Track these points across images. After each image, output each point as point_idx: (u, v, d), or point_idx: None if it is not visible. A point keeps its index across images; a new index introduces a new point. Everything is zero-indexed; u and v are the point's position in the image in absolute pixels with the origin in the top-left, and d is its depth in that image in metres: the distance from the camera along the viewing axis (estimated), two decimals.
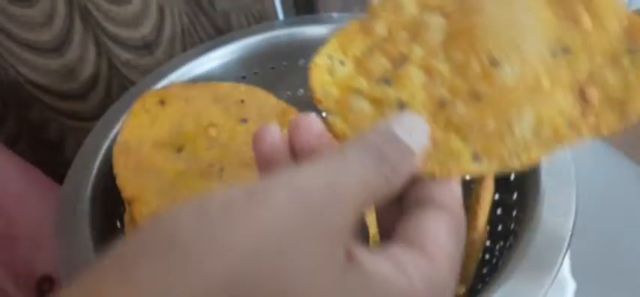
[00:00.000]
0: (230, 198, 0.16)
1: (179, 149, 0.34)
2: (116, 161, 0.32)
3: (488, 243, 0.33)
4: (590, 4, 0.21)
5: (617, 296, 0.40)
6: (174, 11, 0.47)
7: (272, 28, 0.41)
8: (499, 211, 0.34)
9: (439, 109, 0.20)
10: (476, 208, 0.28)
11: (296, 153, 0.21)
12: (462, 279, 0.30)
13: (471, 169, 0.19)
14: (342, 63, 0.23)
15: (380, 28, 0.23)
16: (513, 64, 0.20)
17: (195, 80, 0.39)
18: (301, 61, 0.41)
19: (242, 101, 0.37)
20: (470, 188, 0.34)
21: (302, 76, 0.41)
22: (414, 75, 0.21)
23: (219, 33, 0.48)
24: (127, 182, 0.32)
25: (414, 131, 0.19)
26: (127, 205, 0.32)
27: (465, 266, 0.29)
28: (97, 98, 0.49)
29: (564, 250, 0.26)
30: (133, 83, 0.49)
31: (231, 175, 0.34)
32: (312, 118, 0.21)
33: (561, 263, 0.26)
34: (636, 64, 0.20)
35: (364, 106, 0.21)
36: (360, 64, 0.23)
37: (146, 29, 0.47)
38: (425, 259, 0.17)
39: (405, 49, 0.22)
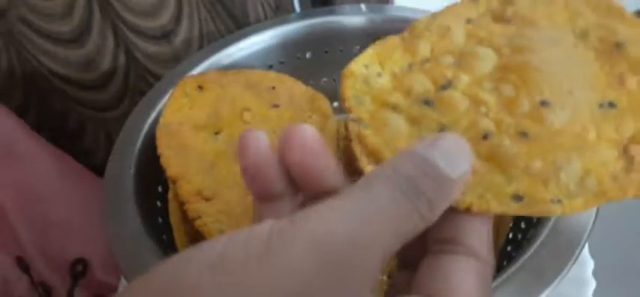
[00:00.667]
0: (248, 250, 0.14)
1: (217, 132, 0.36)
2: (159, 142, 0.34)
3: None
4: (636, 66, 0.21)
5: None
6: (191, 1, 0.48)
7: (293, 19, 0.43)
8: None
9: (482, 140, 0.19)
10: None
11: (290, 169, 0.19)
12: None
13: (510, 207, 0.18)
14: (379, 75, 0.22)
15: (423, 48, 0.22)
16: (564, 108, 0.20)
17: (224, 69, 0.41)
18: (326, 52, 0.44)
19: (273, 88, 0.39)
20: None
21: (326, 67, 0.44)
22: (459, 101, 0.20)
23: (236, 22, 0.50)
24: (170, 162, 0.33)
25: (456, 157, 0.17)
26: (171, 184, 0.33)
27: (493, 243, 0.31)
28: (115, 88, 0.50)
29: (588, 230, 0.27)
30: (151, 73, 0.50)
31: None
32: (303, 129, 0.19)
33: (584, 243, 0.27)
34: None
35: (401, 124, 0.20)
36: (399, 80, 0.22)
37: (164, 19, 0.48)
38: None
39: (451, 74, 0.21)
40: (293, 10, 0.48)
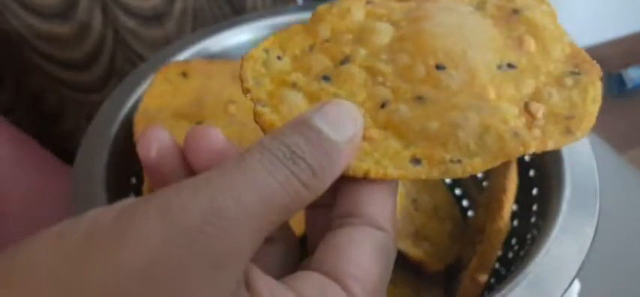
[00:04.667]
0: (96, 225, 0.14)
1: (198, 122, 0.34)
2: (136, 128, 0.32)
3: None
4: (535, 29, 0.22)
5: None
6: None
7: (290, 11, 0.41)
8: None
9: (379, 109, 0.20)
10: (502, 197, 0.29)
11: (196, 171, 0.18)
12: (484, 267, 0.30)
13: (409, 172, 0.18)
14: (279, 58, 0.22)
15: (323, 31, 0.23)
16: (459, 70, 0.20)
17: (211, 57, 0.39)
18: None
19: None
20: (490, 180, 0.34)
21: None
22: (356, 73, 0.21)
23: (232, 6, 0.47)
24: None
25: (342, 121, 0.16)
26: (146, 175, 0.31)
27: (487, 255, 0.30)
28: (99, 70, 0.47)
29: (587, 247, 0.27)
30: (138, 56, 0.48)
31: None
32: (210, 131, 0.18)
33: (584, 260, 0.26)
34: (580, 85, 0.20)
35: (298, 99, 0.20)
36: (299, 61, 0.22)
37: None
38: (342, 294, 0.15)
39: (349, 50, 0.22)
40: (294, 1, 0.46)
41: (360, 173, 0.17)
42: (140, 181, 0.34)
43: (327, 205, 0.19)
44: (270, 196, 0.15)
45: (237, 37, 0.40)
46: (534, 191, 0.33)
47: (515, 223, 0.34)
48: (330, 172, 0.16)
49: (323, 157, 0.16)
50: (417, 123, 0.19)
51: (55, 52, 0.45)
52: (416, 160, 0.18)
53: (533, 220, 0.33)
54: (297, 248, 0.20)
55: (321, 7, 0.23)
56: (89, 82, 0.47)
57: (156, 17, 0.46)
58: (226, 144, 0.18)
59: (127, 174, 0.33)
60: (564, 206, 0.29)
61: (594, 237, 0.28)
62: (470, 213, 0.41)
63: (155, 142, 0.18)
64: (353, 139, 0.17)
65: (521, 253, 0.32)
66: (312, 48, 0.22)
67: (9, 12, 0.42)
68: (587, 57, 0.21)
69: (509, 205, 0.29)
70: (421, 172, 0.18)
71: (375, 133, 0.19)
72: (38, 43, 0.44)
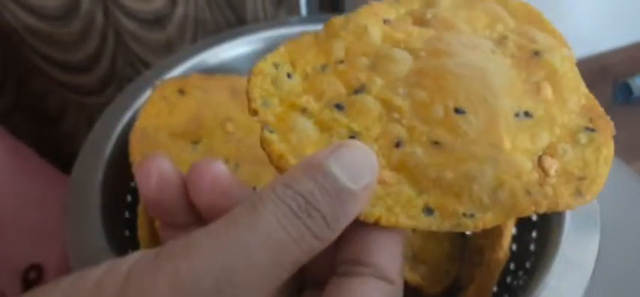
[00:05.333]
0: (102, 282, 0.13)
1: (195, 142, 0.33)
2: (133, 148, 0.31)
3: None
4: (554, 76, 0.21)
5: None
6: None
7: (293, 23, 0.40)
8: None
9: (394, 149, 0.19)
10: (501, 227, 0.29)
11: (198, 209, 0.18)
12: (482, 296, 0.30)
13: (421, 222, 0.17)
14: (289, 76, 0.21)
15: (338, 50, 0.21)
16: (479, 117, 0.19)
17: (209, 70, 0.38)
18: None
19: None
20: None
21: None
22: (371, 106, 0.20)
23: (233, 10, 0.47)
24: None
25: (359, 167, 0.16)
26: (144, 203, 0.31)
27: (485, 284, 0.29)
28: (100, 72, 0.47)
29: (587, 279, 0.26)
30: (139, 59, 0.47)
31: (246, 171, 0.33)
32: (215, 168, 0.17)
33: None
34: (593, 144, 0.20)
35: (309, 128, 0.19)
36: (310, 82, 0.21)
37: (159, 3, 0.45)
38: None
39: (364, 77, 0.21)
40: (298, 11, 0.45)
41: (371, 219, 0.17)
42: (135, 199, 0.34)
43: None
44: (284, 253, 0.14)
45: (236, 49, 0.39)
46: (534, 217, 0.33)
47: (514, 247, 0.34)
48: (343, 222, 0.15)
49: (338, 207, 0.15)
50: (432, 170, 0.18)
51: (55, 55, 0.45)
52: (428, 210, 0.18)
53: (532, 247, 0.32)
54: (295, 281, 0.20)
55: (336, 20, 0.22)
56: (90, 84, 0.47)
57: (157, 20, 0.46)
58: (227, 178, 0.18)
59: (122, 193, 0.33)
60: (564, 236, 0.29)
61: (594, 268, 0.28)
62: (468, 233, 0.41)
63: (155, 174, 0.17)
64: (369, 186, 0.16)
65: (521, 281, 0.31)
66: (324, 68, 0.21)
67: (9, 13, 0.42)
68: (602, 112, 0.21)
69: (509, 233, 0.29)
70: (433, 223, 0.17)
71: (388, 175, 0.18)
72: (39, 46, 0.44)
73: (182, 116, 0.33)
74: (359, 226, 0.16)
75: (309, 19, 0.42)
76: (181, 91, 0.34)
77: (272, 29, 0.40)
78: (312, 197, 0.14)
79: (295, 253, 0.14)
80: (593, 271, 0.26)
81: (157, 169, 0.17)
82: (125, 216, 0.33)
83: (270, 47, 0.39)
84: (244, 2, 0.47)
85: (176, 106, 0.33)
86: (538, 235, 0.32)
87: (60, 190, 0.38)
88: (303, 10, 0.44)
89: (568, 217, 0.29)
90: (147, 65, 0.47)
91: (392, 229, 0.17)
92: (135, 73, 0.47)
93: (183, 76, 0.36)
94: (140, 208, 0.32)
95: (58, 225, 0.36)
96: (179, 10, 0.46)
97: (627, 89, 1.10)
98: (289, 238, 0.14)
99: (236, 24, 0.47)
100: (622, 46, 1.30)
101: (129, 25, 0.45)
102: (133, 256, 0.14)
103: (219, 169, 0.18)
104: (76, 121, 0.49)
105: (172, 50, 0.47)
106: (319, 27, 0.40)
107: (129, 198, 0.34)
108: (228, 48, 0.39)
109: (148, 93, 0.35)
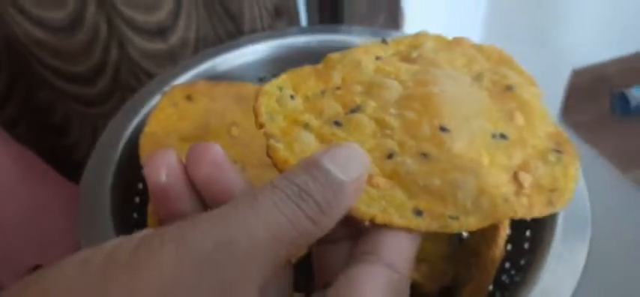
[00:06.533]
0: (115, 252, 0.15)
1: None
2: (143, 151, 0.32)
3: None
4: (524, 106, 0.24)
5: None
6: None
7: (295, 33, 0.42)
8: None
9: (386, 159, 0.21)
10: (497, 227, 0.30)
11: (196, 185, 0.19)
12: (477, 295, 0.31)
13: (411, 222, 0.19)
14: (292, 97, 0.23)
15: (335, 78, 0.24)
16: (461, 135, 0.22)
17: (214, 78, 0.39)
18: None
19: None
20: None
21: None
22: (366, 123, 0.22)
23: (233, 22, 0.48)
24: None
25: (349, 162, 0.17)
26: (152, 197, 0.32)
27: (482, 283, 0.31)
28: (104, 83, 0.48)
29: (579, 274, 0.27)
30: (143, 71, 0.48)
31: (251, 174, 0.34)
32: (213, 147, 0.19)
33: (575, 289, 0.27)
34: (561, 163, 0.22)
35: (310, 139, 0.21)
36: (311, 103, 0.23)
37: (162, 14, 0.46)
38: None
39: (359, 100, 0.23)
40: (298, 23, 0.46)
41: (367, 218, 0.19)
42: (144, 201, 0.34)
43: (334, 241, 0.20)
44: (280, 231, 0.16)
45: (240, 59, 0.40)
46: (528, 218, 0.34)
47: (509, 247, 0.35)
48: (336, 209, 0.17)
49: (329, 194, 0.17)
50: (421, 178, 0.20)
51: (61, 66, 0.46)
52: (418, 212, 0.20)
53: (526, 246, 0.34)
54: (292, 275, 0.21)
55: (333, 56, 0.25)
56: (94, 95, 0.48)
57: (160, 32, 0.47)
58: (223, 156, 0.19)
59: (131, 195, 0.34)
60: (556, 235, 0.30)
61: (586, 265, 0.29)
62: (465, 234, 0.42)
63: (163, 166, 0.19)
64: (358, 180, 0.18)
65: (516, 277, 0.33)
66: (323, 93, 0.24)
67: (17, 26, 0.43)
68: (567, 138, 0.23)
69: (505, 233, 0.30)
70: (422, 223, 0.19)
71: (381, 181, 0.20)
72: (45, 57, 0.45)
73: (190, 121, 0.34)
74: (373, 227, 0.18)
75: (312, 29, 0.43)
76: (189, 97, 0.35)
77: (274, 39, 0.41)
78: (306, 186, 0.16)
79: (291, 232, 0.16)
80: (590, 273, 0.27)
81: (164, 161, 0.19)
82: (134, 217, 0.34)
83: (274, 56, 0.41)
84: (242, 14, 0.48)
85: (184, 112, 0.35)
86: (532, 234, 0.33)
87: (64, 195, 0.39)
88: (304, 22, 0.46)
89: (560, 217, 0.30)
90: (150, 76, 0.48)
91: (403, 229, 0.19)
92: (138, 84, 0.48)
93: (191, 82, 0.37)
94: (150, 209, 0.33)
95: (62, 229, 0.37)
96: (181, 22, 0.47)
97: (624, 100, 1.11)
98: (284, 217, 0.16)
99: (236, 35, 0.49)
100: (619, 57, 1.32)
101: (132, 36, 0.46)
102: (142, 232, 0.16)
103: (216, 147, 0.19)
104: (80, 132, 0.49)
105: (175, 61, 0.48)
106: (316, 37, 0.41)
107: (137, 199, 0.35)
108: (232, 57, 0.40)
109: (155, 100, 0.36)
